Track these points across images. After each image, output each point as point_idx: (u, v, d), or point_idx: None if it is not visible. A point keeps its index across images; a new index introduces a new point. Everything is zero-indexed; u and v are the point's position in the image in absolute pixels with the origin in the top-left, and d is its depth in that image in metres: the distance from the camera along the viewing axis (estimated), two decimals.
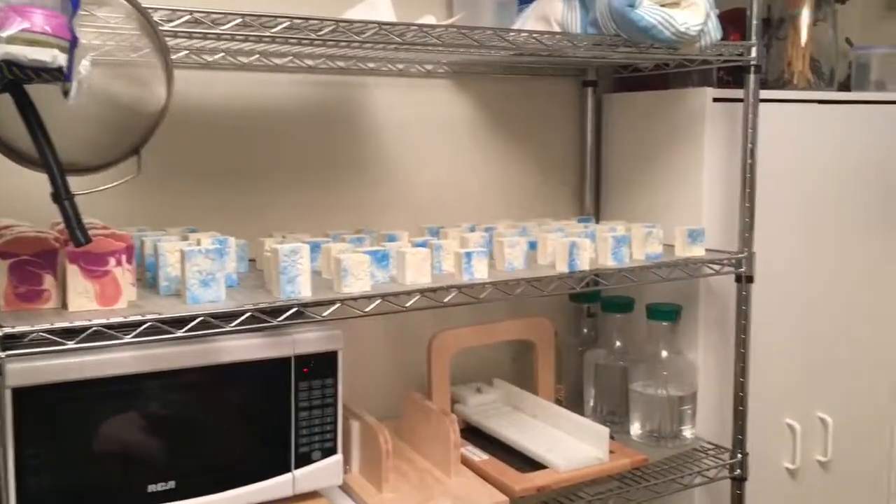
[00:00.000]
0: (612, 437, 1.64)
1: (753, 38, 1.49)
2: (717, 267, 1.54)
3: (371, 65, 1.61)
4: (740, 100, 1.62)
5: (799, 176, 1.79)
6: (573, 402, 1.82)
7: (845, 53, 2.05)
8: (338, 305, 1.16)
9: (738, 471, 1.61)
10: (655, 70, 1.78)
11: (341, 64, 1.57)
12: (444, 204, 1.78)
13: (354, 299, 1.17)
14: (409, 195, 1.73)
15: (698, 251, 1.55)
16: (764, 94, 1.73)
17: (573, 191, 1.95)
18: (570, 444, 1.53)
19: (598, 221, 1.90)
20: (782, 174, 1.76)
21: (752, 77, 1.51)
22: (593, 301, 1.84)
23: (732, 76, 1.93)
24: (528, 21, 1.45)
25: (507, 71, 1.80)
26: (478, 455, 1.51)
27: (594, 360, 1.79)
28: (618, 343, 1.77)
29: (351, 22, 1.16)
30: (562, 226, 1.64)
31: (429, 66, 1.67)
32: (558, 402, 1.80)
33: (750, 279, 1.57)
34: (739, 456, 1.62)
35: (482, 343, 1.67)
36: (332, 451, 1.30)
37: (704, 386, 1.72)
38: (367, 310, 1.17)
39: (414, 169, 1.73)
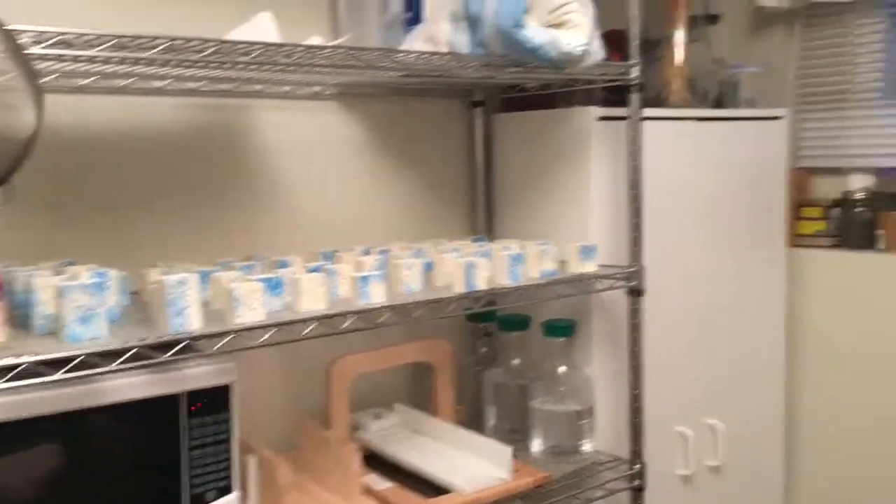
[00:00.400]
0: (514, 456, 1.65)
1: (633, 58, 1.53)
2: (609, 282, 1.56)
3: (256, 87, 1.56)
4: (624, 118, 1.67)
5: (682, 190, 1.85)
6: (474, 422, 1.81)
7: (717, 72, 2.14)
8: (231, 337, 1.11)
9: (637, 481, 1.64)
10: (541, 90, 1.81)
11: (225, 86, 1.52)
12: (336, 227, 1.75)
13: (248, 330, 1.12)
14: (300, 219, 1.69)
15: (591, 267, 1.57)
16: (646, 112, 1.79)
17: (466, 211, 1.96)
18: (473, 465, 1.52)
19: (491, 240, 1.91)
20: (667, 189, 1.81)
21: (633, 96, 1.55)
22: (490, 320, 1.84)
23: (616, 95, 1.99)
24: (415, 42, 1.44)
25: (395, 92, 1.79)
26: (380, 483, 1.48)
27: (493, 379, 1.79)
28: (515, 361, 1.78)
29: (235, 42, 1.12)
30: (457, 246, 1.64)
31: (316, 88, 1.64)
32: (459, 423, 1.79)
33: (640, 292, 1.60)
34: (638, 466, 1.64)
35: (380, 368, 1.64)
36: (228, 490, 1.24)
37: (601, 399, 1.75)
38: (261, 340, 1.13)
39: (304, 193, 1.69)
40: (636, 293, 1.60)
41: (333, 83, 1.62)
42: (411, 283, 1.39)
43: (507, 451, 1.48)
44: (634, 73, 1.54)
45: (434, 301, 1.31)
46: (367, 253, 1.58)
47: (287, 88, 1.61)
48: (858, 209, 2.12)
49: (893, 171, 2.08)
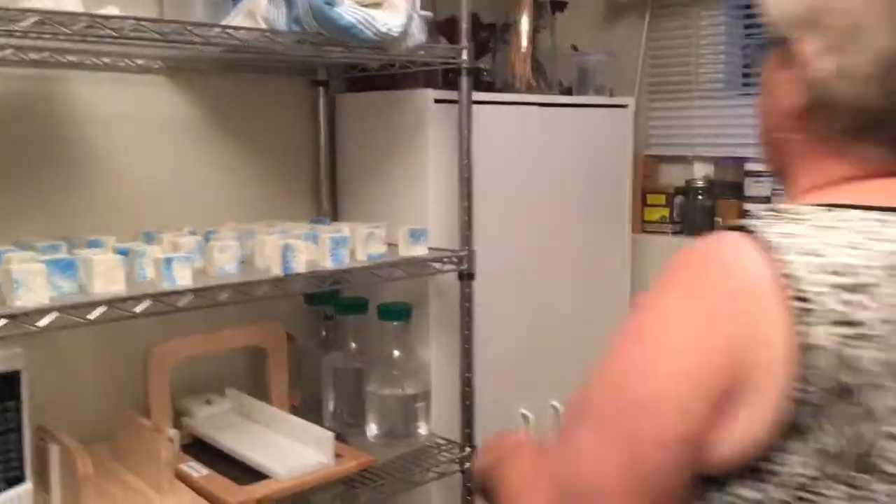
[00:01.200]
0: (344, 441, 1.63)
1: (464, 41, 1.52)
2: (438, 265, 1.56)
3: (71, 58, 1.48)
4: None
5: (525, 175, 1.86)
6: (312, 407, 1.79)
7: (568, 59, 2.16)
8: (5, 322, 1.04)
9: (468, 464, 1.65)
10: (383, 70, 1.79)
11: (34, 56, 1.44)
12: (168, 208, 1.69)
13: (26, 314, 1.06)
14: (126, 199, 1.62)
15: (421, 250, 1.57)
16: (487, 96, 1.79)
17: (310, 192, 1.92)
18: (296, 451, 1.49)
19: (335, 222, 1.88)
20: (508, 173, 1.83)
21: (464, 80, 1.54)
22: (330, 304, 1.82)
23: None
24: (237, 17, 1.40)
25: (231, 68, 1.74)
26: (197, 470, 1.44)
27: (331, 363, 1.77)
28: (353, 345, 1.76)
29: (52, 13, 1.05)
30: (285, 227, 1.60)
31: (139, 61, 1.57)
32: (294, 409, 1.77)
33: (471, 276, 1.61)
34: (468, 450, 1.65)
35: (206, 353, 1.60)
36: (19, 480, 1.18)
37: (438, 383, 1.75)
38: (40, 324, 1.07)
39: (128, 170, 1.62)
40: (467, 277, 1.61)
41: (158, 56, 1.56)
42: (226, 266, 1.35)
43: (328, 436, 1.46)
44: (465, 56, 1.53)
45: (244, 284, 1.28)
46: (193, 234, 1.53)
47: (107, 60, 1.53)
48: (699, 197, 2.18)
49: (731, 161, 2.15)
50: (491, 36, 2.01)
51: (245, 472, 1.45)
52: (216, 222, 1.75)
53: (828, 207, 0.81)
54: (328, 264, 1.43)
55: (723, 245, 0.79)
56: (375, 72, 1.79)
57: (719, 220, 2.15)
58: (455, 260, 1.60)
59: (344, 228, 1.58)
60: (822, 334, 0.72)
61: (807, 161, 0.88)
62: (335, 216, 1.93)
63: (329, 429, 1.73)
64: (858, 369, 0.72)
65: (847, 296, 0.73)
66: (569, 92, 2.13)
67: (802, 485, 0.74)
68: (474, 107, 1.74)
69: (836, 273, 0.74)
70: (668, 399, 0.75)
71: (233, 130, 1.78)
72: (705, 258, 0.80)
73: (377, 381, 1.70)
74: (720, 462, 0.76)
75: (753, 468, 0.75)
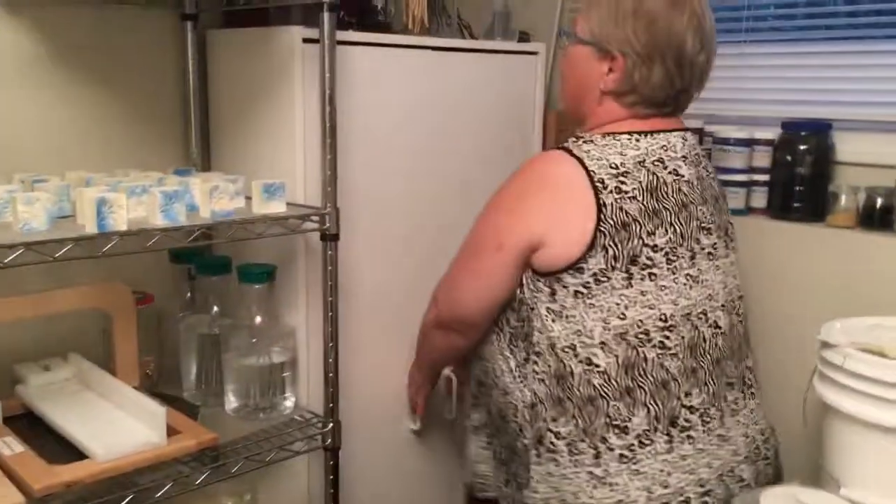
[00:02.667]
0: (195, 415, 1.49)
1: None
2: (293, 224, 1.40)
3: None
4: (342, 42, 1.49)
5: (414, 127, 1.70)
6: (172, 376, 1.64)
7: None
8: None
9: (330, 440, 1.51)
10: (257, 5, 1.61)
11: None
12: (8, 154, 1.51)
13: None
14: None
15: (277, 207, 1.40)
16: (367, 36, 1.61)
17: (179, 139, 1.74)
18: (127, 427, 1.34)
19: (207, 171, 1.71)
20: (395, 125, 1.66)
21: (325, 16, 1.36)
22: (193, 262, 1.65)
23: (357, 18, 1.80)
24: None
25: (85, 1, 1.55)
26: (11, 447, 1.29)
27: (192, 328, 1.61)
28: (215, 309, 1.61)
29: None
30: (130, 177, 1.43)
31: None
32: (147, 377, 1.62)
33: (335, 237, 1.45)
34: (331, 425, 1.51)
35: (35, 315, 1.43)
36: None
37: (310, 352, 1.60)
38: None
39: None
40: (330, 238, 1.45)
41: None
42: (33, 221, 1.18)
43: (160, 411, 1.31)
44: None
45: (36, 243, 1.11)
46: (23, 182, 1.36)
47: None
48: None
49: None
50: None
51: (67, 451, 1.30)
52: (66, 170, 1.57)
53: (605, 135, 1.40)
54: (158, 221, 1.26)
55: (552, 157, 1.41)
56: (245, 6, 1.61)
57: None
58: (316, 219, 1.43)
59: (195, 181, 1.41)
60: (609, 198, 1.33)
61: (601, 111, 1.44)
62: (207, 166, 1.76)
63: (187, 400, 1.60)
64: (628, 213, 1.34)
65: (619, 178, 1.35)
66: (473, 37, 1.95)
67: (599, 271, 1.33)
68: (354, 49, 1.58)
69: (612, 167, 1.35)
70: (503, 232, 1.40)
71: (87, 69, 1.59)
72: (543, 165, 1.43)
73: (236, 348, 1.55)
74: (549, 264, 1.36)
75: (573, 266, 1.33)
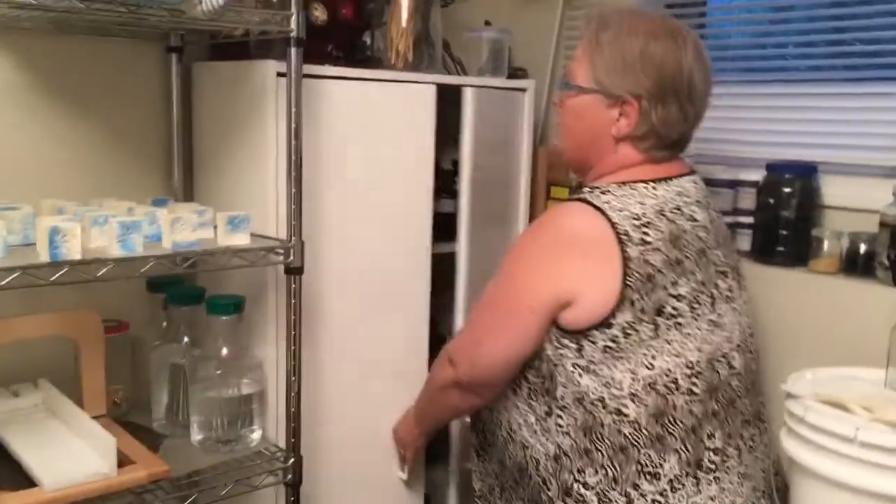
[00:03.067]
0: (156, 447, 1.49)
1: (292, 7, 1.35)
2: (256, 256, 1.40)
3: None
4: (315, 76, 1.51)
5: (393, 163, 1.70)
6: (145, 405, 1.64)
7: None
8: None
9: (291, 476, 1.49)
10: (242, 38, 1.63)
11: None
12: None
13: None
14: None
15: (240, 239, 1.41)
16: (345, 71, 1.62)
17: (163, 170, 1.76)
18: (78, 456, 1.34)
19: (188, 202, 1.72)
20: (373, 160, 1.66)
21: (292, 50, 1.37)
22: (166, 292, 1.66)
23: (346, 53, 1.82)
24: None
25: (66, 30, 1.58)
26: None
27: (164, 357, 1.61)
28: (185, 339, 1.61)
29: None
30: (95, 208, 1.45)
31: None
32: (116, 405, 1.62)
33: (298, 270, 1.44)
34: (292, 461, 1.50)
35: (1, 341, 1.45)
36: None
37: (280, 384, 1.59)
38: None
39: None
40: (293, 271, 1.44)
41: None
42: None
43: (110, 441, 1.31)
44: (292, 24, 1.36)
45: None
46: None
47: None
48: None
49: None
50: (375, 10, 1.84)
51: (20, 479, 1.31)
52: (61, 198, 1.59)
53: (621, 185, 1.37)
54: (115, 251, 1.27)
55: (576, 211, 1.37)
56: (225, 39, 1.63)
57: None
58: (281, 252, 1.43)
59: (162, 212, 1.42)
60: (634, 251, 1.30)
61: (615, 158, 1.42)
62: (190, 196, 1.77)
63: (154, 430, 1.61)
64: (653, 265, 1.31)
65: (641, 229, 1.32)
66: (464, 72, 1.96)
67: (627, 325, 1.30)
68: (332, 83, 1.58)
69: (634, 218, 1.32)
70: (534, 293, 1.36)
71: (73, 100, 1.63)
72: (569, 220, 1.38)
73: (202, 379, 1.54)
74: (578, 323, 1.32)
75: (602, 323, 1.30)
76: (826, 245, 1.58)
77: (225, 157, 1.67)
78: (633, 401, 1.31)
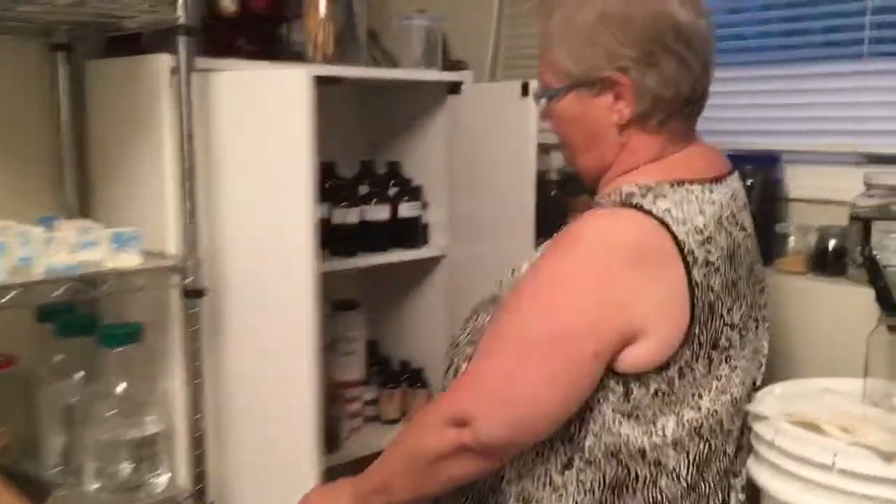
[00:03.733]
0: (42, 497, 1.30)
1: None
2: (146, 280, 1.21)
3: None
4: (209, 70, 1.33)
5: (299, 158, 1.52)
6: (36, 450, 1.45)
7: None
8: None
9: None
10: (138, 31, 1.44)
11: None
12: None
13: None
14: None
15: (129, 260, 1.23)
16: (248, 65, 1.45)
17: (55, 182, 1.57)
18: None
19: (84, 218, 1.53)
20: (283, 163, 1.48)
21: (181, 41, 1.20)
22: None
23: (262, 47, 1.64)
24: None
25: None
26: None
27: (56, 396, 1.42)
28: (79, 374, 1.42)
29: None
30: None
31: None
32: (4, 449, 1.42)
33: (198, 293, 1.26)
34: None
35: None
36: None
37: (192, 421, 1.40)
38: None
39: None
40: (192, 294, 1.26)
41: None
42: None
43: None
44: (179, 9, 1.18)
45: None
46: None
47: None
48: (552, 192, 1.84)
49: None
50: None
51: None
52: None
53: (673, 185, 1.08)
54: None
55: (631, 219, 1.05)
56: (116, 31, 1.44)
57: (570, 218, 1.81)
58: (178, 271, 1.25)
59: (36, 231, 1.23)
60: (699, 274, 1.04)
61: (630, 149, 1.13)
62: (87, 211, 1.58)
63: (43, 479, 1.41)
64: (714, 291, 1.06)
65: (705, 246, 1.05)
66: (393, 65, 1.79)
67: (685, 364, 1.05)
68: (236, 78, 1.40)
69: (698, 233, 1.05)
70: (596, 332, 1.03)
71: None
72: (623, 227, 1.06)
73: (97, 420, 1.36)
74: (636, 364, 1.04)
75: (663, 365, 1.04)
76: (792, 241, 1.44)
77: (122, 166, 1.48)
78: (675, 449, 1.08)
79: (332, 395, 1.83)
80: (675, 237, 1.03)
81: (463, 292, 1.84)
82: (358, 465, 1.79)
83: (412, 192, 1.85)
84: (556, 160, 1.86)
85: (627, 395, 1.06)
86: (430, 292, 1.93)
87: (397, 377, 1.95)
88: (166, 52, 1.32)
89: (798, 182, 1.49)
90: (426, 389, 1.92)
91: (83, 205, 1.58)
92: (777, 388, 1.19)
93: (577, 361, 1.03)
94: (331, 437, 1.78)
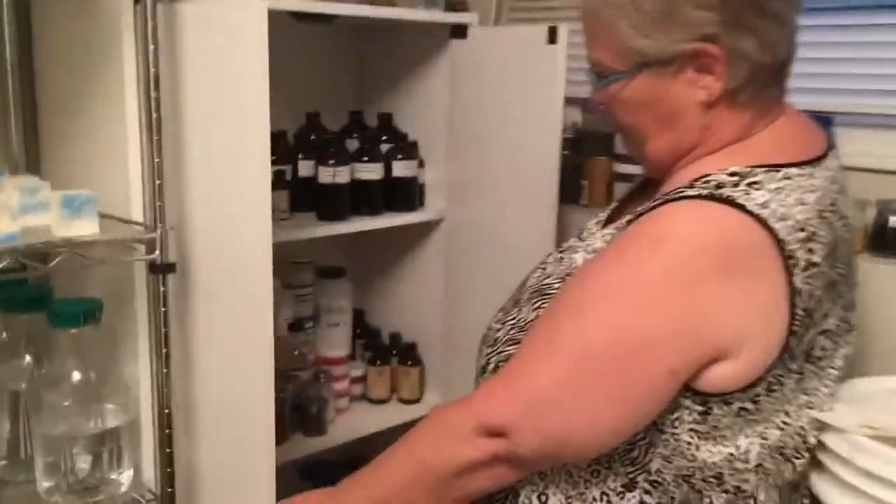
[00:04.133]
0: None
1: None
2: (103, 252, 1.02)
3: None
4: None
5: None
6: None
7: None
8: None
9: None
10: None
11: None
12: None
13: None
14: None
15: (84, 227, 1.03)
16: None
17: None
18: None
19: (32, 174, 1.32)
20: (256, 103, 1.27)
21: None
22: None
23: None
24: None
25: None
26: None
27: (1, 380, 1.23)
28: (27, 358, 1.23)
29: None
30: None
31: None
32: None
33: (167, 268, 1.07)
34: None
35: None
36: None
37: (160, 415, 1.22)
38: None
39: None
40: (161, 269, 1.07)
41: None
42: None
43: None
44: None
45: None
46: None
47: None
48: (566, 153, 1.66)
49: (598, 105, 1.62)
50: None
51: None
52: None
53: (769, 170, 0.90)
54: None
55: (709, 214, 0.88)
56: None
57: (586, 183, 1.63)
58: (144, 243, 1.05)
59: None
60: (800, 279, 0.88)
61: (710, 132, 0.95)
62: (36, 167, 1.37)
63: None
64: (816, 297, 0.90)
65: (807, 245, 0.88)
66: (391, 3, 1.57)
67: (775, 378, 0.90)
68: (203, 7, 1.17)
69: (800, 230, 0.88)
70: (674, 347, 0.86)
71: None
72: (711, 227, 0.88)
73: (49, 410, 1.17)
74: (723, 384, 0.88)
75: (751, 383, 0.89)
76: None
77: (77, 114, 1.27)
78: (756, 472, 0.93)
79: (316, 373, 1.66)
80: (774, 236, 0.85)
81: (463, 261, 1.66)
82: (345, 451, 1.65)
83: (407, 149, 1.66)
84: (571, 115, 1.68)
85: (706, 414, 0.89)
86: (426, 260, 1.75)
87: (387, 352, 1.78)
88: None
89: (854, 149, 1.31)
90: (419, 366, 1.75)
91: (31, 158, 1.36)
92: (845, 389, 1.03)
93: (648, 379, 0.87)
94: (315, 420, 1.62)
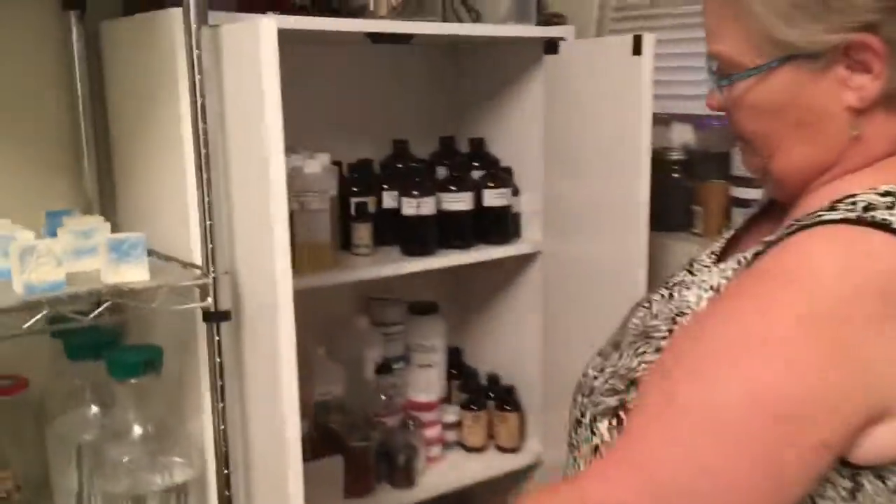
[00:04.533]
0: None
1: None
2: (145, 299, 0.93)
3: None
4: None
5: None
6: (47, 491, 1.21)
7: None
8: None
9: None
10: None
11: None
12: None
13: None
14: None
15: (133, 273, 0.95)
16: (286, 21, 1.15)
17: (73, 168, 1.31)
18: None
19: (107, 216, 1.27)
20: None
21: None
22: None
23: (312, 1, 1.35)
24: None
25: None
26: None
27: (69, 430, 1.18)
28: (94, 408, 1.17)
29: None
30: None
31: None
32: (18, 489, 1.19)
33: (222, 316, 0.97)
34: None
35: None
36: None
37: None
38: None
39: None
40: (215, 318, 0.98)
41: None
42: None
43: None
44: None
45: None
46: None
47: None
48: (675, 175, 1.49)
49: (714, 121, 1.44)
50: None
51: None
52: None
53: None
54: None
55: (860, 246, 0.72)
56: None
57: (698, 209, 1.45)
58: (197, 290, 0.97)
59: (18, 237, 0.97)
60: None
61: (861, 144, 0.80)
62: (111, 204, 1.32)
63: None
64: None
65: None
66: (477, 19, 1.46)
67: None
68: (227, 30, 1.09)
69: None
70: (816, 410, 0.70)
71: None
72: (841, 262, 0.72)
73: (109, 466, 1.10)
74: (882, 453, 0.73)
75: None
76: None
77: (143, 150, 1.21)
78: None
79: (404, 419, 1.54)
80: None
81: (562, 296, 1.51)
82: None
83: (499, 176, 1.53)
84: (680, 133, 1.51)
85: (855, 492, 0.73)
86: (523, 294, 1.61)
87: (484, 395, 1.64)
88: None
89: None
90: (518, 412, 1.61)
91: (105, 196, 1.32)
92: None
93: (796, 452, 0.70)
94: (403, 471, 1.50)
